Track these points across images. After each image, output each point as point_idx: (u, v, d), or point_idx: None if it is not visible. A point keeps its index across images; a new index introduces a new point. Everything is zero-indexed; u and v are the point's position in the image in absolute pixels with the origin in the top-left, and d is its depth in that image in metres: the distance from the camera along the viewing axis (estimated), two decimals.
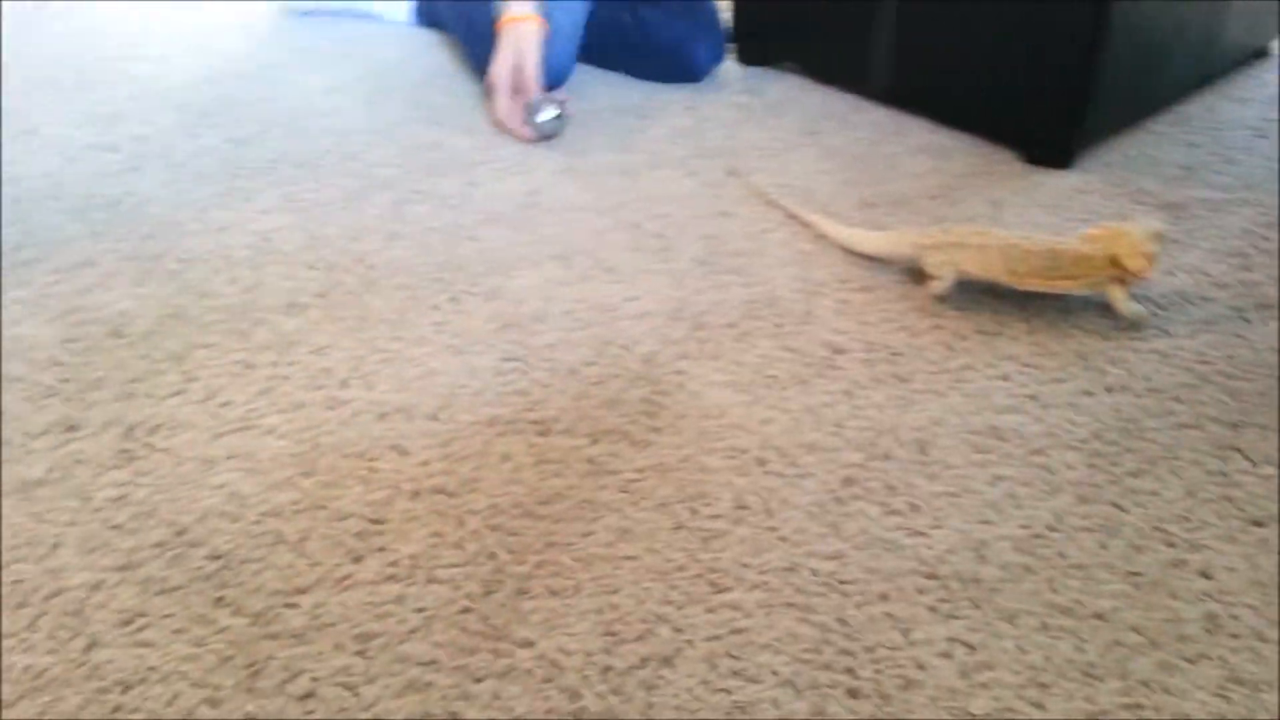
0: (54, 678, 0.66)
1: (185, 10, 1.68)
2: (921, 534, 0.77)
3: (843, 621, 0.70)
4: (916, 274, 1.04)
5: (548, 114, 1.29)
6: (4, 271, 1.05)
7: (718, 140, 1.31)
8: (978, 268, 0.98)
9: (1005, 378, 0.92)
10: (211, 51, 1.54)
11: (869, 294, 1.02)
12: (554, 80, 1.35)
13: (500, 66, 1.31)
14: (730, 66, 1.51)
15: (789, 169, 1.25)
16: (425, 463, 0.83)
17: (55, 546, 0.75)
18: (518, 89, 1.32)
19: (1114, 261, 0.95)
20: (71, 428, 0.86)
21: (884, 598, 0.72)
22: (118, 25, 1.62)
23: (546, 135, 1.30)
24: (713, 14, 1.46)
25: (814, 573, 0.73)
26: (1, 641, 0.68)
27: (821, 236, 1.11)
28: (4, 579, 0.73)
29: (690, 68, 1.44)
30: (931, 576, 0.73)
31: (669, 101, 1.41)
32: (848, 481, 0.81)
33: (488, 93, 1.36)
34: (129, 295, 1.02)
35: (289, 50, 1.55)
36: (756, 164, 1.26)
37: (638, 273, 1.06)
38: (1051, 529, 0.77)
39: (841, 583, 0.73)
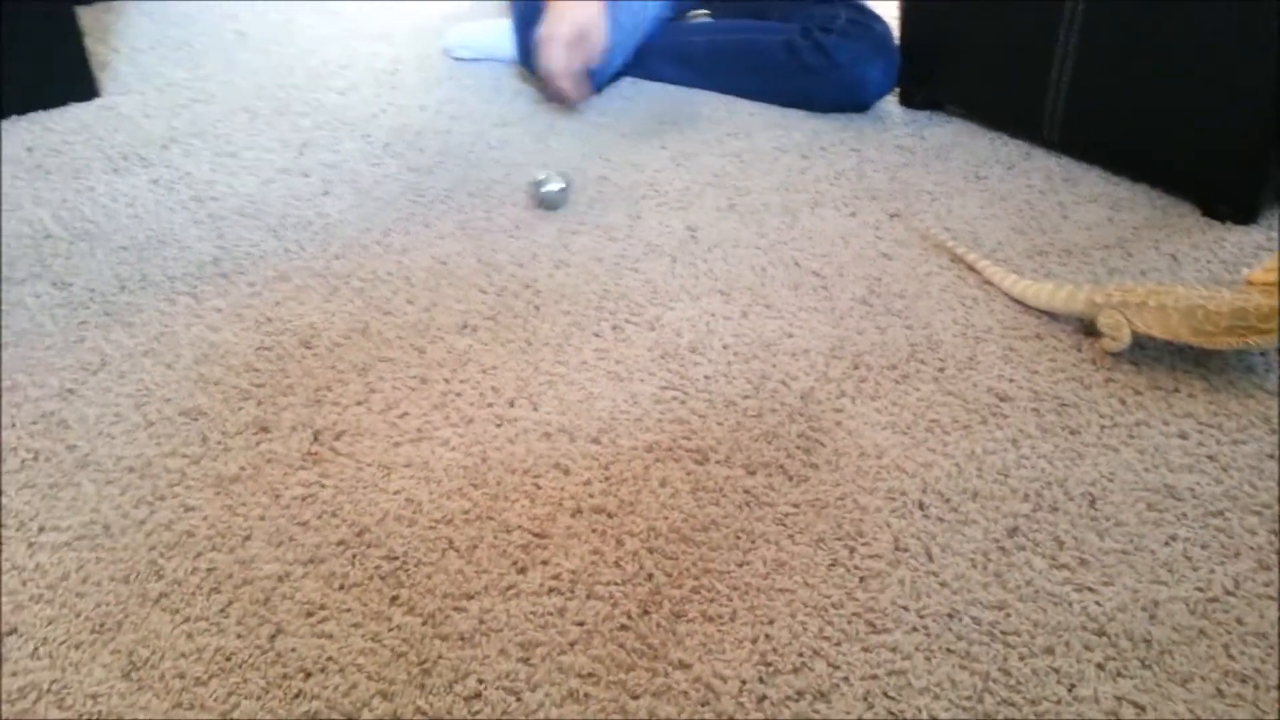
0: (242, 661, 0.71)
1: (370, 47, 1.80)
2: (1090, 589, 0.74)
3: (1005, 672, 0.68)
4: (1088, 325, 1.01)
5: (554, 185, 1.27)
6: (204, 281, 1.14)
7: (880, 182, 1.31)
8: (1159, 329, 0.95)
9: (1182, 435, 0.89)
10: (393, 86, 1.64)
11: (1037, 342, 1.00)
12: (598, 75, 1.45)
13: (558, 26, 1.37)
14: (893, 109, 1.51)
15: (954, 213, 1.24)
16: (587, 483, 0.86)
17: (246, 538, 0.81)
18: (578, 55, 1.39)
19: None
20: (264, 429, 0.93)
21: (1049, 651, 0.70)
22: (309, 59, 1.74)
23: (550, 206, 1.27)
24: (887, 34, 1.47)
25: (976, 621, 0.72)
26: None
27: (988, 283, 1.09)
28: (199, 566, 0.79)
29: (863, 88, 1.45)
30: (1100, 633, 0.71)
31: (832, 142, 1.42)
32: (1012, 531, 0.79)
33: (539, 49, 1.42)
34: (318, 309, 1.09)
35: (462, 87, 1.63)
36: (920, 207, 1.25)
37: (797, 310, 1.07)
38: (1229, 593, 0.74)
39: (1004, 633, 0.71)
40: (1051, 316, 1.04)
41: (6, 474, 0.88)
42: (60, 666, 0.71)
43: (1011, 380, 0.95)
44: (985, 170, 1.33)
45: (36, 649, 0.72)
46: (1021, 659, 0.69)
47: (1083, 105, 1.29)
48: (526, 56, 1.57)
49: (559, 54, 1.40)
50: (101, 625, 0.74)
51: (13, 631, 0.74)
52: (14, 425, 0.93)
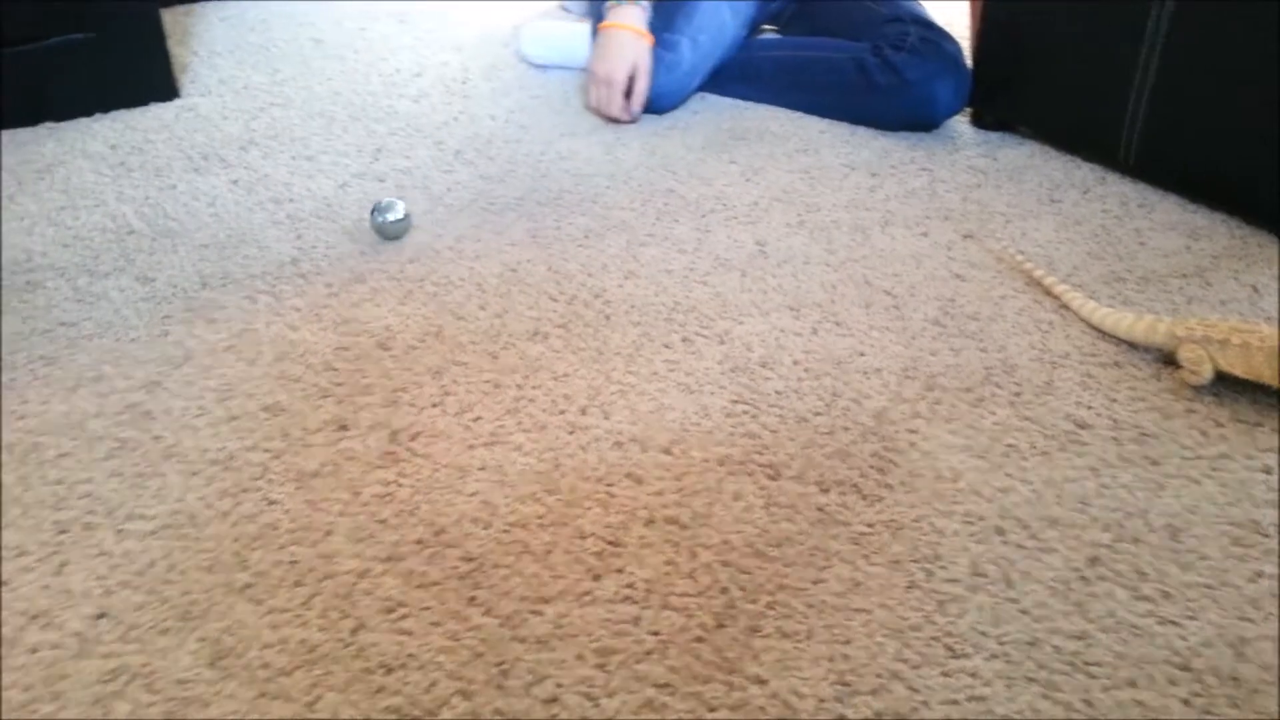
0: (325, 654, 0.73)
1: (441, 55, 1.83)
2: (1174, 623, 0.73)
3: (1089, 703, 0.68)
4: (1168, 356, 1.00)
5: (395, 213, 1.23)
6: (283, 281, 1.16)
7: (953, 202, 1.31)
8: (1241, 369, 0.93)
9: (1267, 470, 0.87)
10: (464, 95, 1.66)
11: (1116, 370, 0.99)
12: (660, 105, 1.53)
13: (602, 64, 1.47)
14: (964, 129, 1.50)
15: (1028, 236, 1.23)
16: (659, 493, 0.86)
17: (327, 534, 0.83)
18: (626, 94, 1.48)
19: None
20: (343, 427, 0.94)
21: (1132, 684, 0.69)
22: (383, 66, 1.77)
23: (390, 237, 1.24)
24: (957, 53, 1.46)
25: (1057, 650, 0.71)
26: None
27: (1064, 308, 1.08)
28: (282, 558, 0.80)
29: (933, 107, 1.45)
30: (1185, 668, 0.70)
31: (902, 161, 1.42)
32: (1093, 561, 0.79)
33: (588, 85, 1.51)
34: (393, 312, 1.11)
35: (531, 96, 1.65)
36: (993, 229, 1.25)
37: (869, 329, 1.07)
38: None
39: (1087, 664, 0.70)
40: (1130, 345, 1.03)
41: (94, 462, 0.90)
42: (149, 652, 0.73)
43: (1090, 408, 0.95)
44: (1059, 194, 1.32)
45: (126, 633, 0.74)
46: (1105, 690, 0.69)
47: (1161, 130, 1.28)
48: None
49: (602, 94, 1.47)
50: (188, 613, 0.76)
51: (103, 615, 0.76)
52: (100, 415, 0.96)
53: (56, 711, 0.68)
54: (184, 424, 0.94)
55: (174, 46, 1.77)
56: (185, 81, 1.70)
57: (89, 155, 1.45)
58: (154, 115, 1.58)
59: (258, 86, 1.69)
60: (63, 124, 1.55)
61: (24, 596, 0.77)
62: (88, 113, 1.57)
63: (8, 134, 1.51)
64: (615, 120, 1.53)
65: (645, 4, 1.52)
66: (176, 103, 1.62)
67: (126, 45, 1.57)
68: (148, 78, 1.61)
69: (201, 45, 1.86)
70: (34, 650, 0.73)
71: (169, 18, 1.95)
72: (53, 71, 1.53)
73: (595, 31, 1.56)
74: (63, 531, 0.83)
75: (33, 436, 0.93)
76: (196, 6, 2.06)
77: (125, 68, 1.59)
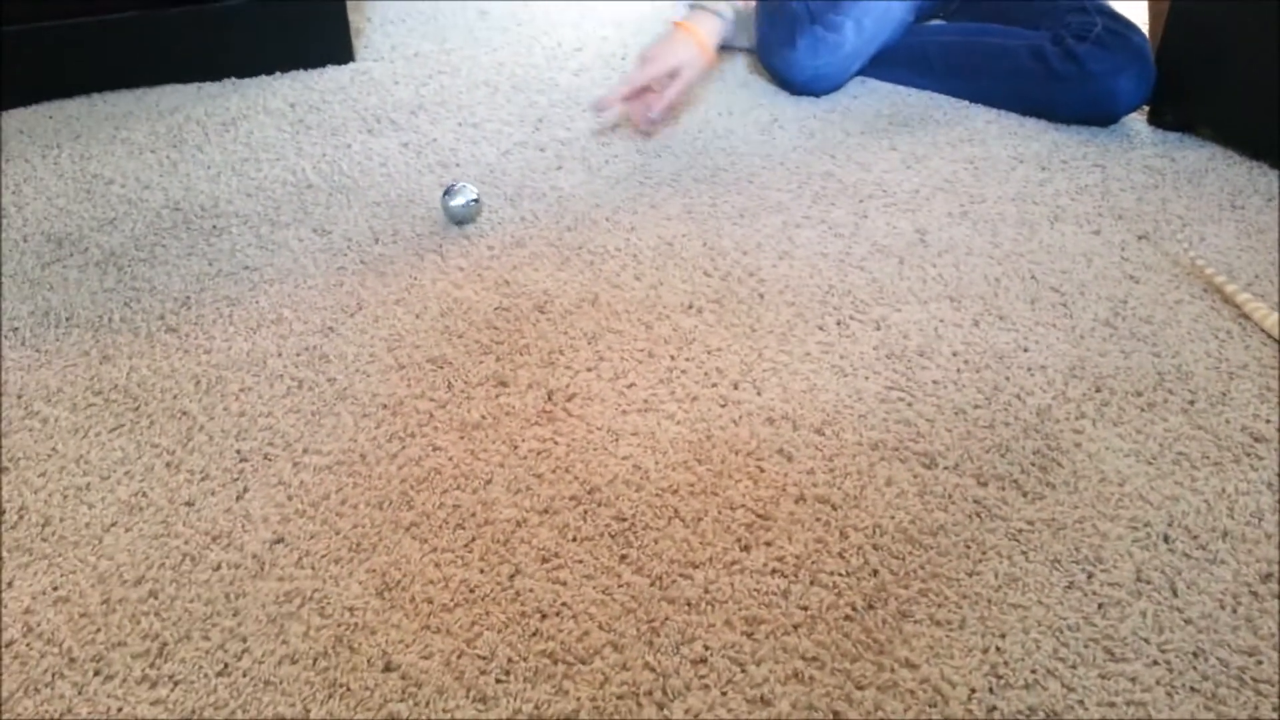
0: (484, 595, 0.76)
1: (601, 31, 1.85)
2: None
3: None
4: None
5: (464, 197, 1.22)
6: (449, 242, 1.21)
7: (1127, 202, 1.26)
8: None
9: None
10: (622, 70, 1.68)
11: None
12: (819, 86, 1.53)
13: (652, 53, 1.41)
14: (1140, 127, 1.44)
15: (1207, 241, 1.17)
16: (810, 471, 0.87)
17: (487, 482, 0.86)
18: (658, 87, 1.43)
19: None
20: (502, 383, 0.97)
21: None
22: (545, 39, 1.81)
23: (459, 220, 1.24)
24: (1144, 45, 1.40)
25: (1223, 663, 0.69)
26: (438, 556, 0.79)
27: (1245, 317, 1.03)
28: (445, 502, 0.84)
29: (1114, 100, 1.39)
30: None
31: (1074, 156, 1.37)
32: (1266, 577, 0.75)
33: (638, 67, 1.44)
34: (551, 277, 1.14)
35: None
36: (1170, 232, 1.19)
37: (1034, 325, 1.04)
38: None
39: (1255, 680, 0.68)
40: None
41: (274, 398, 0.96)
42: (321, 578, 0.77)
43: (1269, 421, 0.90)
44: (1242, 199, 1.25)
45: (300, 559, 0.79)
46: (1274, 709, 0.66)
47: None
48: (765, 51, 1.58)
49: (637, 75, 1.42)
50: (358, 545, 0.80)
51: (280, 540, 0.81)
52: (280, 355, 1.01)
53: (235, 626, 0.74)
54: (356, 369, 0.99)
55: (350, 13, 1.85)
56: (359, 46, 1.77)
57: (270, 111, 1.53)
58: (330, 77, 1.65)
59: (427, 54, 1.75)
60: (244, 80, 1.64)
61: (207, 518, 0.83)
62: (268, 71, 1.66)
63: (192, 87, 1.61)
64: (612, 110, 1.45)
65: (727, 16, 1.48)
66: (351, 66, 1.70)
67: (307, 8, 1.65)
68: (325, 41, 1.69)
69: (375, 12, 1.94)
70: (216, 568, 0.79)
71: None
72: (238, 30, 1.62)
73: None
74: (244, 460, 0.89)
75: (218, 370, 1.00)
76: None
77: (305, 30, 1.67)
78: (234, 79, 1.64)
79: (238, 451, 0.90)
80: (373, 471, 0.87)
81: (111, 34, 1.57)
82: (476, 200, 1.24)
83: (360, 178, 1.35)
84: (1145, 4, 1.60)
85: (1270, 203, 1.25)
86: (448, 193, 1.23)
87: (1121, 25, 1.40)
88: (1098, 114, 1.41)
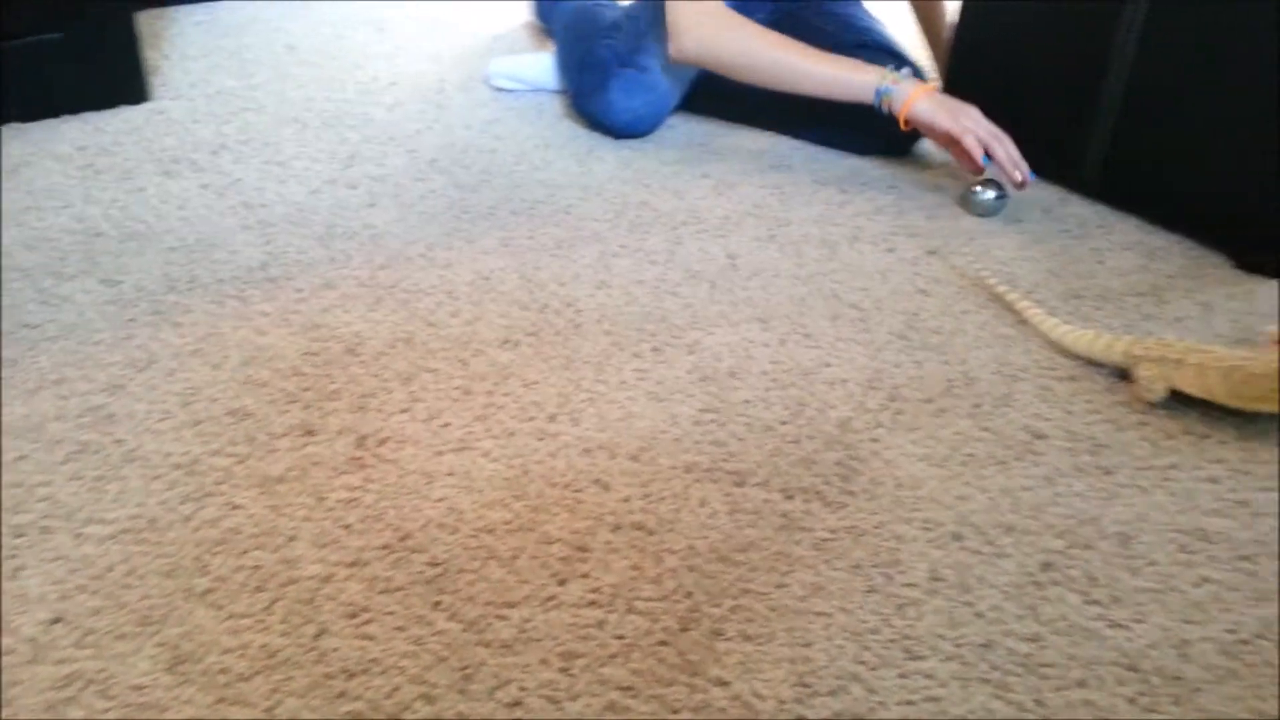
0: (286, 659, 0.72)
1: (417, 66, 1.83)
2: (1122, 626, 0.75)
3: (1040, 703, 0.69)
4: (1124, 371, 1.02)
5: (990, 193, 1.33)
6: (252, 286, 1.16)
7: (918, 219, 1.33)
8: (1196, 388, 0.95)
9: (1214, 480, 0.89)
10: (439, 105, 1.67)
11: (1072, 384, 1.02)
12: (638, 128, 1.54)
13: (967, 113, 1.34)
14: (933, 150, 1.53)
15: (990, 253, 1.25)
16: (626, 499, 0.87)
17: (291, 539, 0.83)
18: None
19: None
20: (309, 432, 0.94)
21: (1082, 684, 0.71)
22: (358, 74, 1.78)
23: (986, 214, 1.34)
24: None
25: (1011, 652, 0.73)
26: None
27: (1024, 324, 1.11)
28: (244, 563, 0.80)
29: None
30: (1132, 669, 0.72)
31: (872, 178, 1.44)
32: (1046, 566, 0.80)
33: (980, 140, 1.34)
34: (363, 318, 1.11)
35: (506, 108, 1.66)
36: (957, 246, 1.27)
37: (835, 340, 1.08)
38: (1259, 636, 0.75)
39: (1039, 665, 0.72)
40: (1087, 361, 1.05)
41: (53, 465, 0.89)
42: (105, 657, 0.72)
43: (1047, 419, 0.97)
44: (1022, 213, 1.35)
45: (82, 638, 0.74)
46: (1056, 690, 0.70)
47: (1123, 155, 1.31)
48: (582, 100, 1.59)
49: (996, 147, 1.33)
50: (147, 618, 0.75)
51: (58, 620, 0.75)
52: (62, 418, 0.95)
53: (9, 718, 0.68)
54: (146, 428, 0.94)
55: (145, 50, 1.77)
56: (156, 85, 1.69)
57: (56, 157, 1.44)
58: (123, 118, 1.57)
59: (230, 91, 1.69)
60: (29, 125, 1.53)
61: None
62: (55, 114, 1.56)
63: None
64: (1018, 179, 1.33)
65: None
66: (147, 106, 1.62)
67: (97, 47, 1.57)
68: (116, 79, 1.61)
69: (173, 49, 1.86)
70: None
71: (141, 21, 1.94)
72: (20, 72, 1.52)
73: (889, 115, 1.36)
74: (19, 535, 0.82)
75: None
76: (169, 10, 2.05)
77: (95, 69, 1.58)
78: (16, 124, 1.53)
79: (12, 526, 0.83)
80: (163, 537, 0.82)
81: None
82: (1003, 195, 1.33)
83: (155, 223, 1.28)
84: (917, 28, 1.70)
85: (1047, 214, 1.35)
86: (980, 187, 1.33)
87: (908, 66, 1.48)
88: (879, 146, 1.48)
